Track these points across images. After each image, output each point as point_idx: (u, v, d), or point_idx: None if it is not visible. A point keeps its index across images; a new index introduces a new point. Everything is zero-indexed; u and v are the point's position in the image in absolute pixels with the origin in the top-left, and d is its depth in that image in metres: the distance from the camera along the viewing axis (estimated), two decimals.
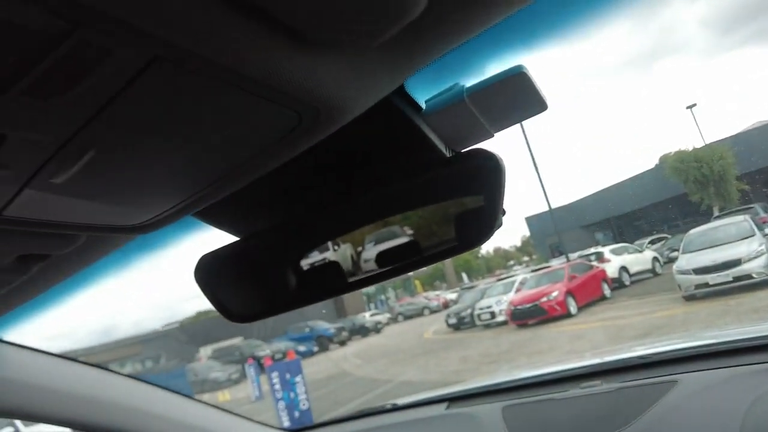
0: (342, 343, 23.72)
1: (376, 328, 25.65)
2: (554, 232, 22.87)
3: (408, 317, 27.95)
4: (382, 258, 0.81)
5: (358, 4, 0.37)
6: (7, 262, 0.70)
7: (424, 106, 0.67)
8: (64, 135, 0.41)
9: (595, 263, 15.49)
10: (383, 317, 27.39)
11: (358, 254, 0.85)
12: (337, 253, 0.86)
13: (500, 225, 0.69)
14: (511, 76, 0.61)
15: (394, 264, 0.80)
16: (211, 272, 0.81)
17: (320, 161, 0.71)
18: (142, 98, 0.39)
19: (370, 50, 0.45)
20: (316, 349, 22.19)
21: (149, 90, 0.38)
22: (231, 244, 0.82)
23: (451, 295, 27.07)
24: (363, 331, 25.20)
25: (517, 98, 0.64)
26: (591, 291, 13.93)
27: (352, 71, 0.47)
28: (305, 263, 0.87)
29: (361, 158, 0.73)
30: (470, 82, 0.65)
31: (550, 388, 1.69)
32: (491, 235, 0.68)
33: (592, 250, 17.93)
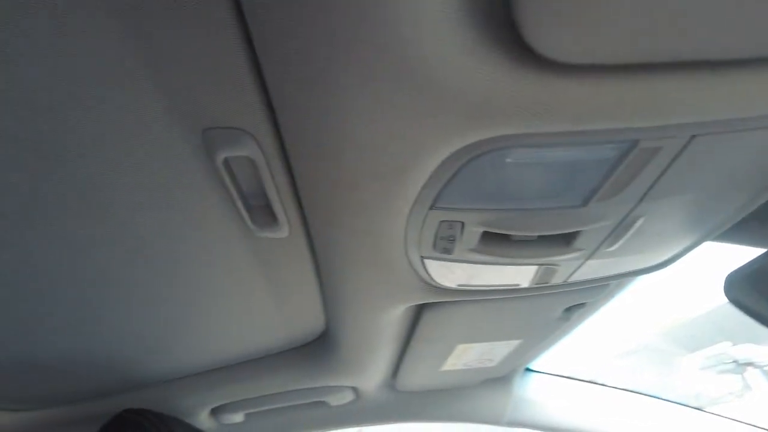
0: None
1: None
2: None
3: None
4: None
5: None
6: (558, 313, 0.89)
7: None
8: (620, 217, 0.52)
9: None
10: None
11: None
12: None
13: None
14: None
15: None
16: (743, 288, 0.80)
17: None
18: (680, 170, 0.46)
19: None
20: None
21: (685, 162, 0.45)
22: (760, 256, 0.79)
23: None
24: None
25: None
26: None
27: None
28: None
29: None
30: None
31: None
32: None
33: None
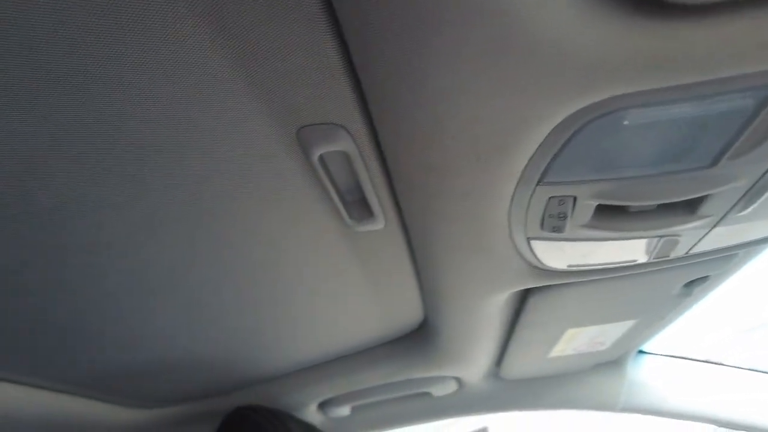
0: None
1: None
2: None
3: None
4: None
5: None
6: (677, 289, 0.82)
7: None
8: (756, 176, 0.46)
9: None
10: None
11: None
12: None
13: None
14: None
15: None
16: None
17: None
18: None
19: None
20: None
21: None
22: None
23: None
24: None
25: None
26: None
27: None
28: None
29: None
30: None
31: None
32: None
33: None
